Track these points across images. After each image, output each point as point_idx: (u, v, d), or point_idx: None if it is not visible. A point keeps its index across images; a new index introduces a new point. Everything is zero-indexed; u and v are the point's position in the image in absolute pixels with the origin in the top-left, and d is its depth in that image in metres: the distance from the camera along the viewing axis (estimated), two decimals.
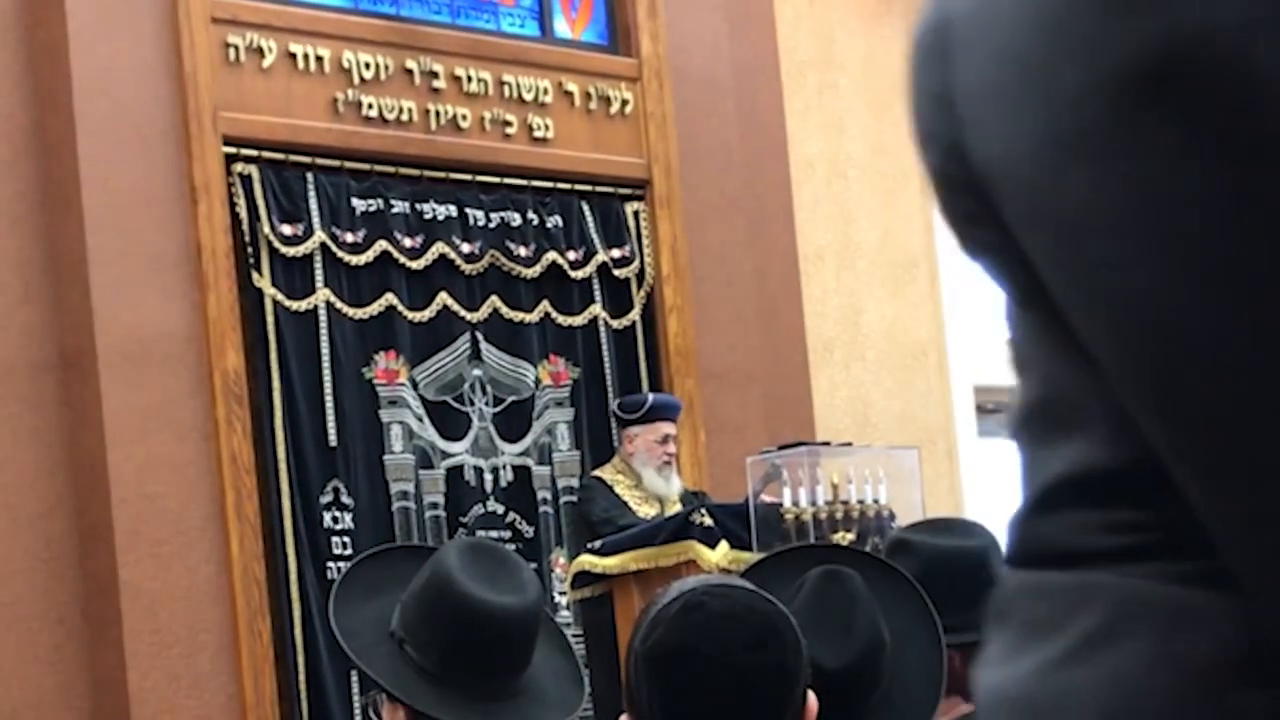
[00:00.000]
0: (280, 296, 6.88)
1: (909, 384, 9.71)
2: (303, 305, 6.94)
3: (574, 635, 7.16)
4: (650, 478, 7.03)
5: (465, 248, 7.37)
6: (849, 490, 6.66)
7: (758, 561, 2.72)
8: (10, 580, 6.23)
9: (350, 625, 2.57)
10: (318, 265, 6.99)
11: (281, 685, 6.66)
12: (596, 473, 7.18)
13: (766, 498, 6.67)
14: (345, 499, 6.96)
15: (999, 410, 10.35)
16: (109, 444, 6.32)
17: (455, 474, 7.30)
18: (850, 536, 6.49)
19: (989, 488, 10.00)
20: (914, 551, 3.05)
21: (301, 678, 6.70)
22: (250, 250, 6.82)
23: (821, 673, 2.09)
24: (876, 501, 6.71)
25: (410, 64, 7.30)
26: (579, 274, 7.70)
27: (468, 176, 7.45)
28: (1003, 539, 3.12)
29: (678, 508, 6.97)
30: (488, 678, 2.49)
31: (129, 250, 6.46)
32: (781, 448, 6.93)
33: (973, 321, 10.14)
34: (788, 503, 6.53)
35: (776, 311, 8.51)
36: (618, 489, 7.00)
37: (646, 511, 6.97)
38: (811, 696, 1.97)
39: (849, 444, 7.36)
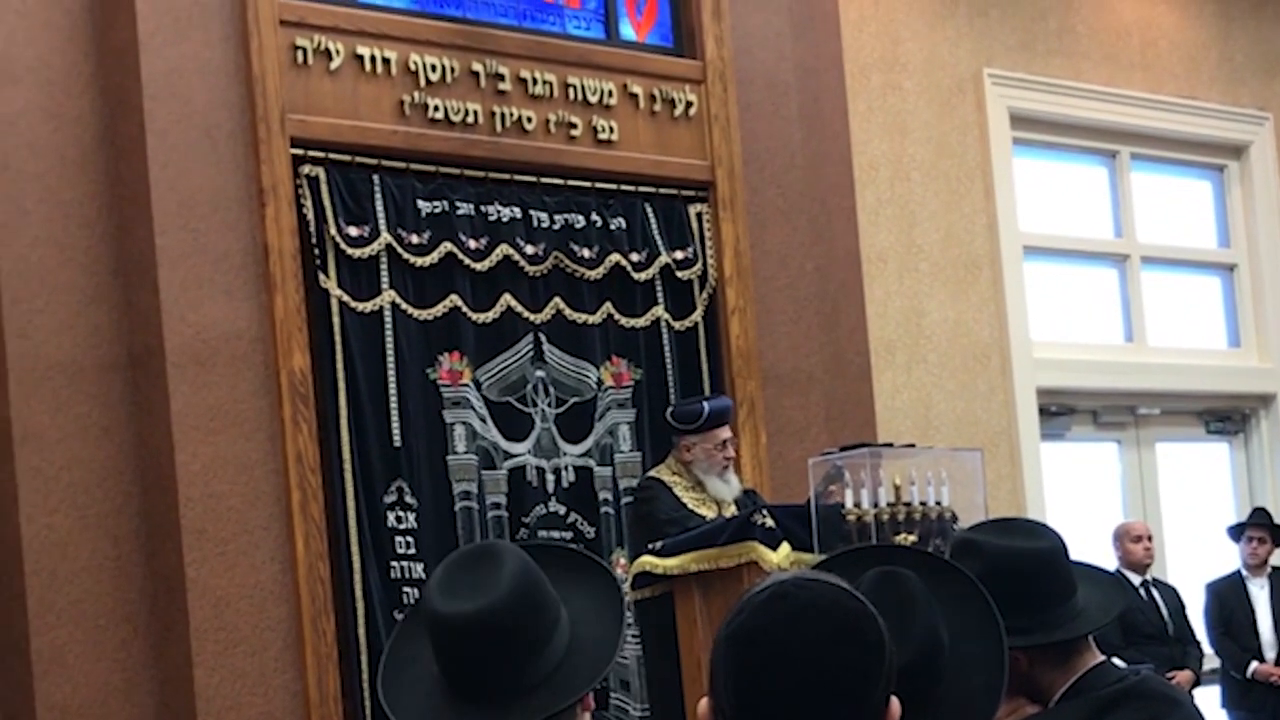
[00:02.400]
0: (346, 297, 6.92)
1: (971, 386, 9.69)
2: (368, 306, 6.99)
3: (633, 635, 7.19)
4: (714, 484, 7.00)
5: (529, 249, 7.40)
6: (911, 492, 6.65)
7: (819, 563, 2.73)
8: (78, 578, 6.29)
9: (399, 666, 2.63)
10: (383, 266, 7.03)
11: (345, 683, 6.70)
12: (653, 473, 7.16)
13: (828, 499, 6.66)
14: (409, 499, 7.00)
15: (1062, 413, 10.31)
16: (176, 443, 6.37)
17: (517, 474, 7.33)
18: (912, 538, 6.48)
19: (1052, 490, 9.97)
20: (979, 552, 3.05)
21: (365, 676, 6.73)
22: (317, 251, 6.87)
23: None
24: (939, 503, 6.69)
25: (476, 66, 7.34)
26: (642, 276, 7.72)
27: (532, 178, 7.47)
28: (1069, 541, 3.11)
29: (734, 509, 6.97)
30: (478, 685, 2.49)
31: (197, 251, 6.52)
32: (843, 449, 6.93)
33: (1036, 324, 10.11)
34: (849, 504, 6.52)
35: (839, 313, 8.50)
36: (676, 490, 6.99)
37: (705, 513, 6.96)
38: (894, 701, 1.96)
39: (911, 445, 7.34)
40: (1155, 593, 9.22)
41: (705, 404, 7.16)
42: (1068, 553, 3.14)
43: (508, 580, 2.49)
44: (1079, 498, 10.29)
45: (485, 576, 2.50)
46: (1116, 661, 3.19)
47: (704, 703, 1.98)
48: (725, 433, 7.07)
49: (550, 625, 2.53)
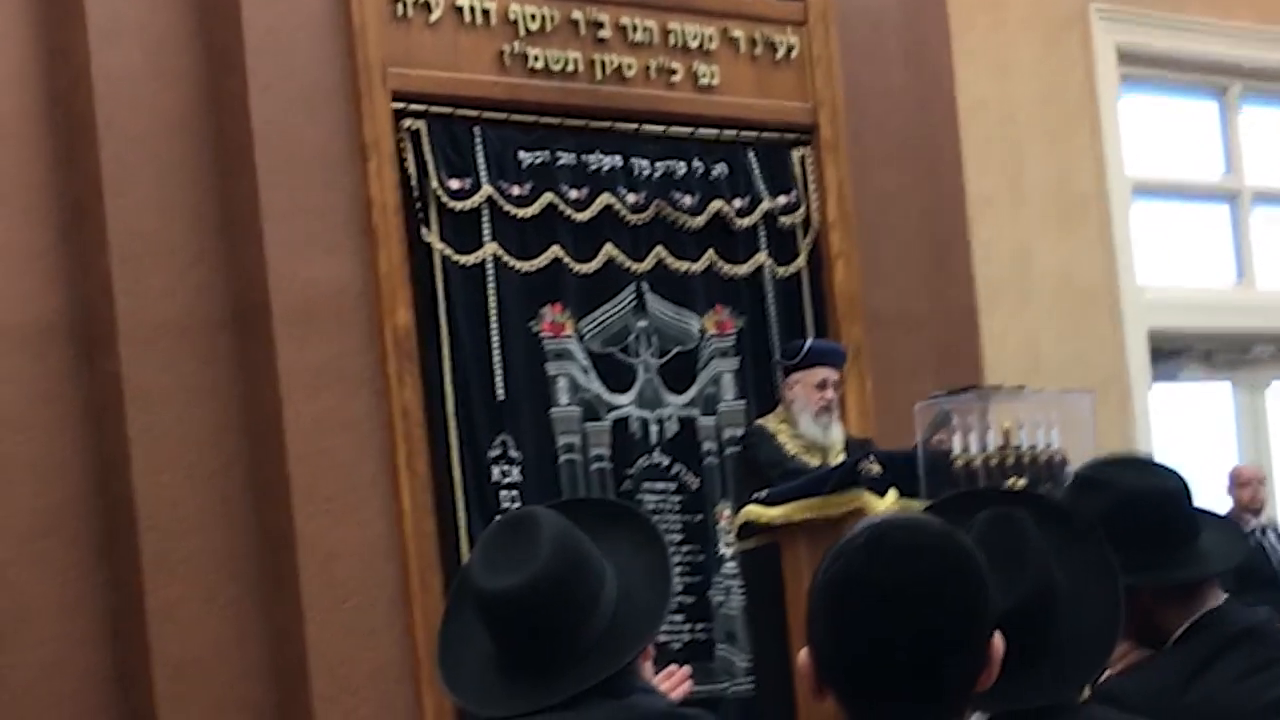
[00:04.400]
0: (449, 251, 6.93)
1: (1081, 327, 9.57)
2: (470, 259, 6.98)
3: (739, 586, 7.16)
4: (807, 424, 6.90)
5: (631, 198, 7.37)
6: (1020, 436, 6.58)
7: (929, 506, 2.69)
8: (188, 535, 6.34)
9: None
10: (485, 219, 7.02)
11: None
12: (760, 421, 7.13)
13: (936, 444, 6.59)
14: (513, 452, 7.00)
15: (1175, 354, 10.17)
16: (283, 400, 6.41)
17: (621, 426, 7.31)
18: (1021, 483, 6.41)
19: (1163, 433, 9.84)
20: (1106, 487, 2.98)
21: None
22: (419, 206, 6.87)
23: None
24: (1049, 447, 6.62)
25: (576, 14, 7.30)
26: (744, 222, 7.67)
27: (633, 126, 7.44)
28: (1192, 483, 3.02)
29: (841, 458, 6.90)
30: (532, 656, 2.50)
31: (301, 208, 6.53)
32: (951, 392, 6.86)
33: (1145, 264, 9.97)
34: (957, 449, 6.46)
35: (945, 256, 8.42)
36: (780, 438, 6.94)
37: (810, 461, 6.89)
38: (997, 638, 1.93)
39: (1020, 388, 7.25)
40: (1271, 536, 9.10)
41: (809, 340, 7.16)
42: (1191, 494, 3.08)
43: (547, 548, 2.49)
44: (1191, 440, 10.15)
45: (524, 548, 2.50)
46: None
47: (804, 653, 1.95)
48: (827, 373, 6.97)
49: (596, 586, 2.52)
